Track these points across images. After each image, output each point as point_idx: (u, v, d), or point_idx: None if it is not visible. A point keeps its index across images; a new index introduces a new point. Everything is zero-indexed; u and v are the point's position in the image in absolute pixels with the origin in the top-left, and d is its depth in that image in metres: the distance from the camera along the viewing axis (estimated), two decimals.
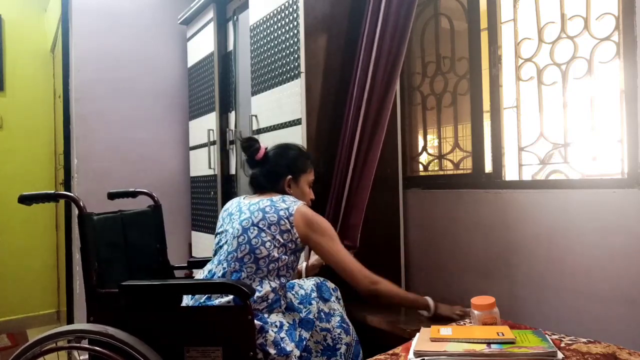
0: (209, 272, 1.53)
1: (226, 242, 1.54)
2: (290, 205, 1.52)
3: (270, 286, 1.46)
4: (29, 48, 3.64)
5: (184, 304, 1.49)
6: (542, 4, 1.81)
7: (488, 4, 1.98)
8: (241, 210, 1.56)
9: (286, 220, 1.49)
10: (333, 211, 1.95)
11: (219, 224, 1.64)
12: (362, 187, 1.91)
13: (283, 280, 1.50)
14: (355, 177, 1.92)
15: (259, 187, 1.63)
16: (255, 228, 1.48)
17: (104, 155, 2.93)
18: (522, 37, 1.88)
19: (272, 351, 1.34)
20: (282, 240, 1.48)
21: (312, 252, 1.86)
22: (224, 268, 1.49)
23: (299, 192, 1.66)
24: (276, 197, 1.56)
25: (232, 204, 1.64)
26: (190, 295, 1.50)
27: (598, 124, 1.67)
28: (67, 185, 2.88)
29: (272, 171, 1.63)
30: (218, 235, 1.60)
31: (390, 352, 1.22)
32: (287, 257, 1.49)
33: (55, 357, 1.51)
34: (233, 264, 1.47)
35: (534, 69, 1.84)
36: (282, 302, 1.50)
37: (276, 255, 1.46)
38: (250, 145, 1.63)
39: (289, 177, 1.63)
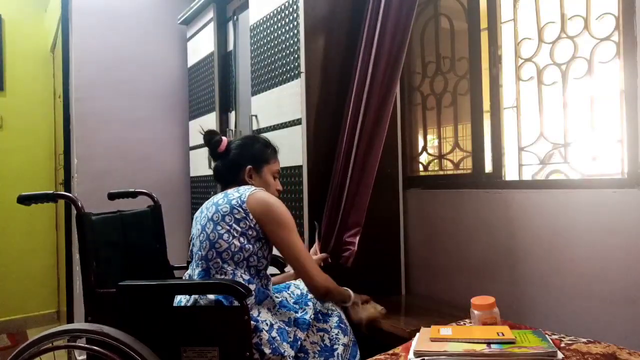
0: (189, 276, 1.54)
1: (194, 244, 1.54)
2: (243, 192, 1.49)
3: (243, 278, 1.43)
4: (29, 48, 3.64)
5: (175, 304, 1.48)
6: (542, 4, 1.81)
7: (488, 4, 1.98)
8: (202, 211, 1.57)
9: (239, 209, 1.45)
10: (331, 211, 1.95)
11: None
12: (364, 186, 1.90)
13: (253, 270, 1.46)
14: (356, 177, 1.92)
15: (221, 179, 1.63)
16: (211, 222, 1.47)
17: (104, 155, 2.93)
18: (522, 37, 1.88)
19: (267, 351, 1.34)
20: (239, 229, 1.44)
21: (310, 251, 1.86)
22: (196, 270, 1.49)
23: (262, 183, 1.62)
24: (230, 189, 1.54)
25: (198, 210, 1.64)
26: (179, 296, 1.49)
27: (598, 124, 1.67)
28: (67, 185, 2.88)
29: (232, 161, 1.61)
30: (191, 242, 1.59)
31: (390, 352, 1.22)
32: (251, 246, 1.44)
33: (55, 356, 1.51)
34: (201, 263, 1.47)
35: (534, 69, 1.83)
36: (269, 293, 1.48)
37: (238, 244, 1.43)
38: (210, 138, 1.62)
39: (249, 167, 1.60)
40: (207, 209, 1.52)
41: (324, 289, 1.51)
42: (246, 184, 1.58)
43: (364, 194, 1.90)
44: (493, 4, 1.96)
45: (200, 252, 1.48)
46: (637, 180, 1.52)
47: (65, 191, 2.77)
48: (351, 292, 1.64)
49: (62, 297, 3.36)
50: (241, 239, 1.44)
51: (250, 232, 1.45)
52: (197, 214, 1.60)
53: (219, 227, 1.45)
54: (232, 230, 1.44)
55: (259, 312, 1.41)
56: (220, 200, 1.50)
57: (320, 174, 1.97)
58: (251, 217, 1.45)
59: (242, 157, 1.61)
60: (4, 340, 3.32)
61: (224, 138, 1.63)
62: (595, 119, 1.67)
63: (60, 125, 3.05)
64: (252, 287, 1.43)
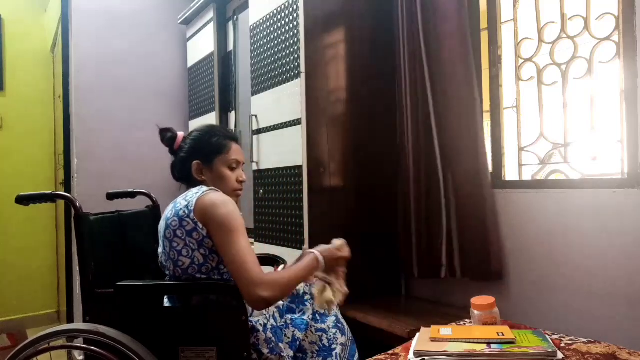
0: None
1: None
2: (190, 199, 1.32)
3: None
4: (29, 48, 3.64)
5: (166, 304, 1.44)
6: (542, 4, 1.81)
7: (488, 4, 1.98)
8: (160, 225, 1.44)
9: (188, 219, 1.30)
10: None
11: None
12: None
13: (227, 276, 1.35)
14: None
15: (179, 180, 1.48)
16: (166, 241, 1.34)
17: (104, 155, 2.93)
18: (522, 37, 1.88)
19: (265, 351, 1.33)
20: (195, 241, 1.31)
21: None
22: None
23: (215, 177, 1.43)
24: (180, 197, 1.39)
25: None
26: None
27: (598, 124, 1.67)
28: (67, 185, 2.88)
29: (181, 158, 1.45)
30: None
31: (390, 352, 1.22)
32: (215, 255, 1.33)
33: (55, 356, 1.51)
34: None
35: (534, 69, 1.83)
36: None
37: (200, 257, 1.32)
38: (163, 135, 1.48)
39: (196, 162, 1.42)
40: (160, 225, 1.39)
41: (261, 303, 1.22)
42: (197, 181, 1.43)
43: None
44: (493, 4, 1.96)
45: (168, 272, 1.39)
46: (637, 180, 1.52)
47: (65, 191, 2.77)
48: (318, 255, 1.37)
49: (62, 297, 3.36)
50: (201, 250, 1.31)
51: (206, 242, 1.30)
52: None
53: (174, 244, 1.32)
54: (188, 245, 1.31)
55: (252, 313, 1.39)
56: (169, 213, 1.35)
57: (320, 174, 1.97)
58: (200, 225, 1.29)
59: (189, 152, 1.44)
60: (4, 340, 3.32)
61: (179, 133, 1.48)
62: (595, 119, 1.67)
63: (60, 125, 3.05)
64: None
